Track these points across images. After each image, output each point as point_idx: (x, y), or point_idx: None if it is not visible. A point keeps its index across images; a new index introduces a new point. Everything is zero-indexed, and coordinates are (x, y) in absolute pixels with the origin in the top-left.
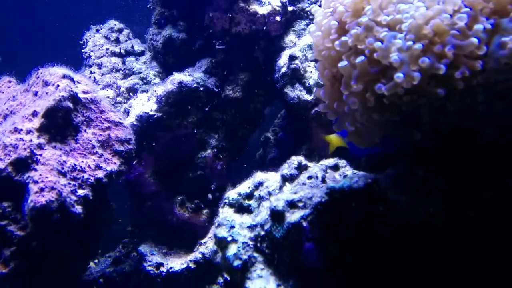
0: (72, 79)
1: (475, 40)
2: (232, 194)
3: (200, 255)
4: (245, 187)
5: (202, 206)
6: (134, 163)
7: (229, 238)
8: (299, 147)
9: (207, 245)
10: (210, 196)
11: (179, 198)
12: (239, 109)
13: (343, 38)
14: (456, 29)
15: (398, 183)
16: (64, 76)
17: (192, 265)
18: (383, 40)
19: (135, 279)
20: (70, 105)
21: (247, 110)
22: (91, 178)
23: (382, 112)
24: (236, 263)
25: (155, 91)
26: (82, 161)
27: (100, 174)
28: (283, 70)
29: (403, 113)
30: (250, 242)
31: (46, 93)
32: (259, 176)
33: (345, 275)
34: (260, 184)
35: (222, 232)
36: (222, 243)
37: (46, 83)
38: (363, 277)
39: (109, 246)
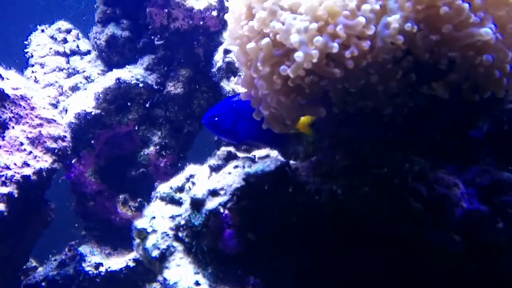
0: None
1: (362, 19)
2: (163, 187)
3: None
4: (177, 180)
5: (145, 204)
6: (73, 161)
7: (149, 229)
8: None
9: None
10: (153, 194)
11: (121, 197)
12: (182, 105)
13: (250, 23)
14: (347, 10)
15: (314, 166)
16: None
17: (131, 264)
18: (284, 22)
19: (77, 281)
20: None
21: (191, 107)
22: (17, 175)
23: (289, 94)
24: (155, 253)
25: (93, 88)
26: (7, 159)
27: (27, 171)
28: (219, 64)
29: (309, 95)
30: (170, 232)
31: None
32: (190, 169)
33: (263, 260)
34: (192, 176)
35: (142, 224)
36: (141, 235)
37: None
38: (280, 260)
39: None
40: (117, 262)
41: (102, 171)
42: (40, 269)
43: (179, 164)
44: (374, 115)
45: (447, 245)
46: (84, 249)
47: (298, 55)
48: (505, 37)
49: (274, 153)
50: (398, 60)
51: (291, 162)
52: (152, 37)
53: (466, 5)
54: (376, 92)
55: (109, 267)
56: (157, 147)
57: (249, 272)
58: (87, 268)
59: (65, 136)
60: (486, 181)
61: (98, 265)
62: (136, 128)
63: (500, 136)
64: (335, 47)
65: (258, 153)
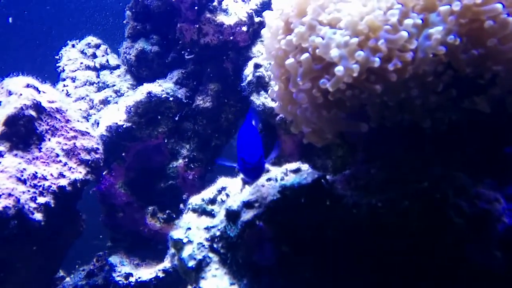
0: (36, 89)
1: (404, 33)
2: (195, 199)
3: (169, 265)
4: (208, 192)
5: (174, 216)
6: (104, 173)
7: (185, 240)
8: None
9: None
10: (182, 206)
11: (150, 209)
12: (210, 119)
13: (288, 37)
14: (388, 24)
15: (348, 179)
16: (28, 85)
17: (161, 275)
18: (324, 37)
19: None
20: (33, 113)
21: (219, 121)
22: (53, 186)
23: (329, 108)
24: (191, 263)
25: (125, 101)
26: (44, 169)
27: (63, 182)
28: (249, 78)
29: (350, 109)
30: (206, 243)
31: (9, 102)
32: (222, 181)
33: (297, 273)
34: (223, 189)
35: (178, 234)
36: (177, 245)
37: (9, 93)
38: (315, 273)
39: (88, 262)
40: (146, 272)
41: (131, 183)
42: (67, 279)
43: (207, 177)
44: (412, 129)
45: (488, 262)
46: (113, 259)
47: (339, 69)
48: None
49: (305, 167)
50: (439, 74)
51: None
52: (182, 52)
53: (511, 19)
54: (414, 106)
55: (139, 278)
56: (186, 160)
57: (284, 284)
58: (117, 278)
59: (97, 148)
60: None
61: (128, 275)
62: (165, 141)
63: None
64: (376, 61)
65: (289, 166)
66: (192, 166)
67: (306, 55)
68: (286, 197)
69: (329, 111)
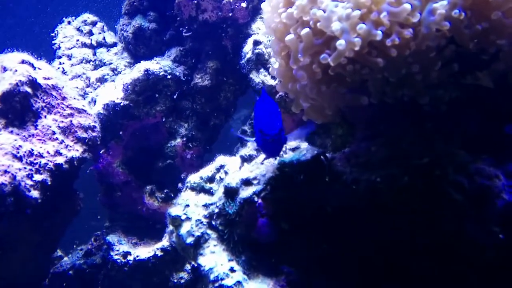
0: (32, 65)
1: (407, 6)
2: (194, 178)
3: (167, 243)
4: (207, 170)
5: (172, 195)
6: (101, 152)
7: (183, 217)
8: None
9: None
10: (180, 185)
11: (148, 188)
12: (209, 98)
13: (289, 10)
14: None
15: (348, 157)
16: (23, 61)
17: (159, 253)
18: (325, 10)
19: (105, 269)
20: (29, 90)
21: (218, 99)
22: (50, 163)
23: (329, 83)
24: (189, 240)
25: (122, 79)
26: (41, 147)
27: (60, 160)
28: (248, 55)
29: (350, 84)
30: (204, 220)
31: (4, 78)
32: (220, 159)
33: (296, 249)
34: (222, 167)
35: (176, 211)
36: (176, 222)
37: (4, 69)
38: (313, 249)
39: (87, 242)
40: (144, 251)
41: (129, 162)
42: (65, 258)
43: (205, 157)
44: (413, 106)
45: (487, 237)
46: (111, 238)
47: (340, 43)
48: None
49: (305, 145)
50: (440, 50)
51: None
52: (180, 29)
53: None
54: (415, 82)
55: (137, 256)
56: (184, 139)
57: (282, 260)
58: (115, 257)
59: (95, 127)
60: None
61: (126, 254)
62: (163, 119)
63: None
64: (379, 34)
65: (288, 144)
66: (191, 146)
67: (306, 29)
68: (285, 173)
69: (329, 86)
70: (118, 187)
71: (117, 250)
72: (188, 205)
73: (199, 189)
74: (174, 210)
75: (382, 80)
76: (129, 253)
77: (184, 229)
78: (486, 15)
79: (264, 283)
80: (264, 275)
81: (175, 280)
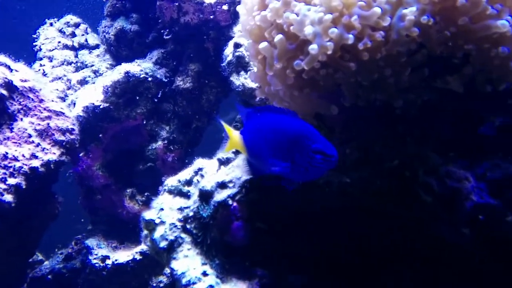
0: (8, 67)
1: (377, 10)
2: (171, 181)
3: (146, 247)
4: (185, 173)
5: (153, 199)
6: (81, 155)
7: (157, 221)
8: None
9: None
10: (160, 188)
11: (128, 191)
12: (191, 100)
13: (263, 13)
14: (362, 0)
15: None
16: None
17: (138, 257)
18: (298, 13)
19: (84, 274)
20: (4, 92)
21: (200, 102)
22: (25, 167)
23: (302, 88)
24: (162, 244)
25: (102, 81)
26: (16, 150)
27: (35, 163)
28: (229, 58)
29: (323, 88)
30: (178, 223)
31: None
32: (199, 162)
33: (270, 252)
34: (200, 170)
35: (150, 215)
36: (149, 226)
37: None
38: (287, 252)
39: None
40: (123, 255)
41: (109, 165)
42: (46, 262)
43: (187, 160)
44: (386, 109)
45: (456, 238)
46: (91, 242)
47: (313, 48)
48: None
49: None
50: (412, 54)
51: None
52: (162, 31)
53: None
54: (388, 86)
55: (115, 260)
56: (165, 142)
57: (256, 263)
58: (94, 261)
59: (73, 129)
60: (497, 175)
61: (104, 258)
62: (144, 122)
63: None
64: (350, 38)
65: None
66: (172, 148)
67: (279, 36)
68: (260, 176)
69: (302, 91)
70: (98, 190)
71: (96, 254)
72: (162, 209)
73: (176, 192)
74: (148, 214)
75: (355, 84)
76: (107, 257)
77: (158, 233)
78: (454, 20)
79: (237, 286)
80: (237, 279)
81: (154, 284)
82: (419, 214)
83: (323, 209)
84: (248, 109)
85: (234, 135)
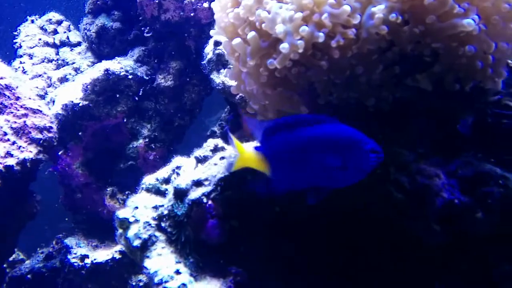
0: None
1: (347, 8)
2: (149, 179)
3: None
4: (163, 172)
5: None
6: (60, 153)
7: (131, 219)
8: (227, 135)
9: None
10: None
11: (109, 190)
12: (172, 98)
13: (236, 10)
14: None
15: None
16: None
17: (117, 256)
18: (270, 11)
19: (63, 273)
20: None
21: (182, 100)
22: None
23: (275, 87)
24: (136, 242)
25: (82, 79)
26: None
27: (10, 161)
28: (209, 56)
29: (296, 87)
30: (153, 222)
31: None
32: (177, 160)
33: (246, 250)
34: (178, 168)
35: (124, 213)
36: (124, 224)
37: None
38: (263, 250)
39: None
40: (103, 254)
41: (90, 163)
42: (27, 262)
43: (170, 158)
44: (359, 107)
45: (427, 235)
46: (70, 241)
47: (284, 47)
48: (489, 28)
49: None
50: (383, 51)
51: None
52: (143, 29)
53: None
54: (360, 84)
55: (94, 259)
56: (146, 140)
57: (231, 262)
58: (73, 260)
59: (51, 127)
60: (468, 172)
61: (83, 257)
62: (125, 120)
63: (485, 128)
64: (320, 36)
65: (247, 145)
66: (153, 147)
67: (252, 33)
68: (234, 174)
69: (275, 89)
70: (78, 188)
71: (75, 253)
72: (137, 207)
73: (154, 190)
74: (122, 213)
75: (328, 82)
76: (86, 256)
77: (132, 231)
78: (422, 18)
79: (211, 284)
80: (212, 277)
81: (134, 283)
82: (390, 211)
83: (298, 208)
84: (266, 123)
85: (249, 152)
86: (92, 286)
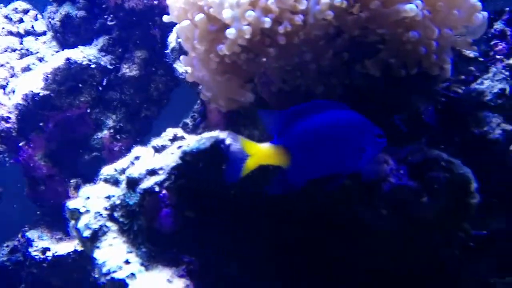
0: None
1: None
2: (108, 170)
3: None
4: (123, 162)
5: None
6: (21, 144)
7: (82, 209)
8: (198, 127)
9: None
10: None
11: (73, 181)
12: (138, 88)
13: None
14: None
15: None
16: None
17: (79, 248)
18: None
19: (26, 266)
20: None
21: (148, 90)
22: None
23: (224, 73)
24: (86, 233)
25: (43, 68)
26: None
27: None
28: (172, 45)
29: (247, 73)
30: (104, 212)
31: None
32: (137, 150)
33: (200, 239)
34: (137, 158)
35: (75, 204)
36: (74, 215)
37: None
38: (216, 238)
39: None
40: (66, 246)
41: (53, 154)
42: None
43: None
44: (308, 94)
45: (376, 220)
46: (32, 234)
47: (231, 32)
48: (433, 14)
49: (225, 135)
50: (332, 38)
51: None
52: (106, 17)
53: None
54: (309, 71)
55: (55, 252)
56: (112, 131)
57: (185, 250)
58: (34, 253)
59: (9, 117)
60: (418, 159)
61: (45, 250)
62: (89, 111)
63: (435, 115)
64: (267, 22)
65: (208, 134)
66: (119, 137)
67: (201, 15)
68: (187, 162)
69: (223, 76)
70: (41, 180)
71: (36, 246)
72: (89, 197)
73: (112, 181)
74: (73, 203)
75: (279, 69)
76: (48, 249)
77: (82, 222)
78: (367, 4)
79: (163, 273)
80: (164, 266)
81: (96, 276)
82: (340, 197)
83: (251, 196)
84: (279, 114)
85: (267, 147)
86: (53, 279)
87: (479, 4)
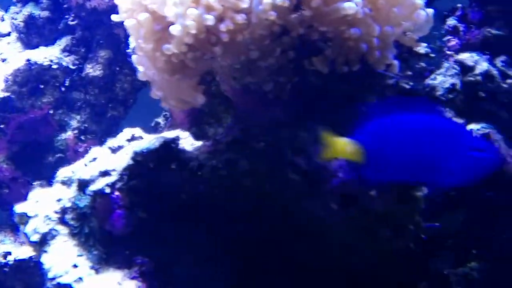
0: None
1: None
2: (64, 171)
3: None
4: (81, 163)
5: None
6: None
7: (31, 213)
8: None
9: None
10: None
11: (37, 184)
12: (103, 88)
13: None
14: None
15: (212, 144)
16: None
17: None
18: None
19: None
20: None
21: (113, 90)
22: None
23: (173, 72)
24: (34, 238)
25: (3, 70)
26: None
27: None
28: (133, 44)
29: (196, 72)
30: (54, 215)
31: None
32: (95, 151)
33: (153, 240)
34: (94, 159)
35: (23, 208)
36: (22, 219)
37: None
38: (170, 239)
39: None
40: (28, 250)
41: (16, 157)
42: None
43: None
44: (259, 92)
45: (325, 215)
46: None
47: (176, 28)
48: (375, 12)
49: (185, 134)
50: (278, 36)
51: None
52: (67, 17)
53: None
54: (258, 68)
55: (17, 256)
56: (76, 132)
57: (138, 252)
58: None
59: None
60: None
61: (6, 254)
62: (51, 112)
63: None
64: (210, 19)
65: (164, 134)
66: (83, 138)
67: (145, 14)
68: (138, 163)
69: (172, 74)
70: (5, 184)
71: None
72: (37, 201)
73: (69, 183)
74: (21, 207)
75: (229, 67)
76: (9, 253)
77: (30, 226)
78: (309, 3)
79: (114, 275)
80: (116, 268)
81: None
82: (288, 193)
83: (203, 195)
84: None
85: (344, 141)
86: (16, 283)
87: (419, 1)
